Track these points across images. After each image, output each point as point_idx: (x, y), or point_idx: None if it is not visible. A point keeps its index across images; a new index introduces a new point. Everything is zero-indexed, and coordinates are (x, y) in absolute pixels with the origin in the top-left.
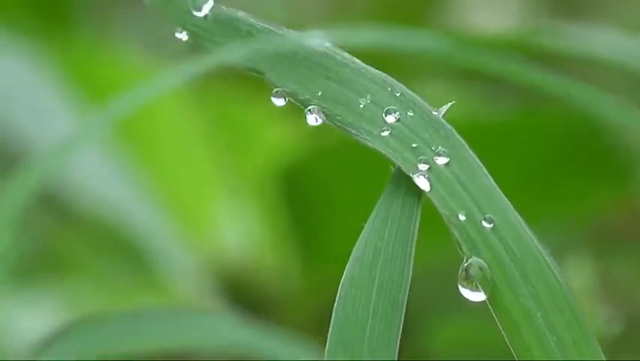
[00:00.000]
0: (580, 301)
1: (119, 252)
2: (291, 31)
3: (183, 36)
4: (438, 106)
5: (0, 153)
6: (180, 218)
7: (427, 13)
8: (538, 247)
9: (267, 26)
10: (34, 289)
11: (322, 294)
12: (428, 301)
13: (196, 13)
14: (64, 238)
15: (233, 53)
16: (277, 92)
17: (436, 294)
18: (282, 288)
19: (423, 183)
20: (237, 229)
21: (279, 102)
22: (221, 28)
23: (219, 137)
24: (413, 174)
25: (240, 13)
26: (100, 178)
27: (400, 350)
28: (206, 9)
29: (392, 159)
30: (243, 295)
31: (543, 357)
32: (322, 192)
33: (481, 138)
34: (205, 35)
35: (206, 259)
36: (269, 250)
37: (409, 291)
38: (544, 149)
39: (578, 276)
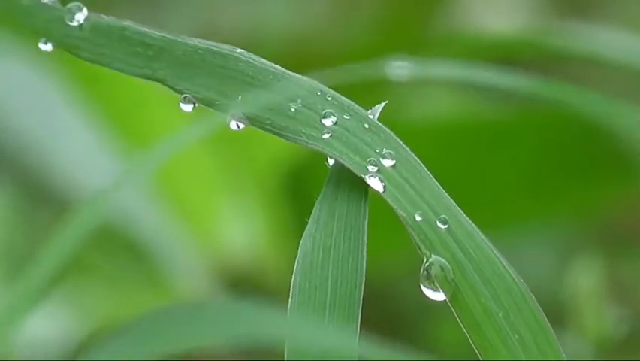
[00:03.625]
0: (587, 301)
1: (126, 254)
2: (195, 38)
3: (48, 47)
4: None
5: (9, 157)
6: (186, 220)
7: (432, 14)
8: (493, 249)
9: (164, 35)
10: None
11: None
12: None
13: (70, 24)
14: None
15: (126, 65)
16: (185, 97)
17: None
18: (287, 289)
19: (376, 184)
20: (242, 230)
21: (187, 108)
22: (103, 37)
23: (224, 139)
24: (364, 176)
25: (127, 22)
26: (106, 180)
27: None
28: (80, 18)
29: (339, 160)
30: (247, 295)
31: (508, 357)
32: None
33: (485, 137)
34: (82, 45)
35: (212, 260)
36: (273, 251)
37: (404, 292)
38: (548, 148)
39: (585, 277)
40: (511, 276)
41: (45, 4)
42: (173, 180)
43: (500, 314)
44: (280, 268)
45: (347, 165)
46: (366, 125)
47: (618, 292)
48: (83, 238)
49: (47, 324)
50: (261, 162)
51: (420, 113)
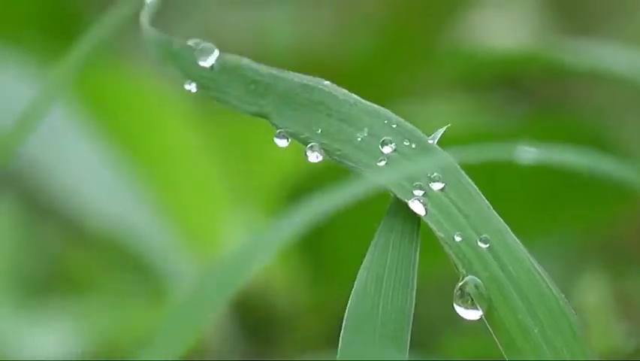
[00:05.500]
0: (594, 317)
1: (129, 268)
2: (293, 73)
3: (192, 87)
4: (446, 122)
5: (13, 173)
6: (188, 234)
7: (438, 27)
8: (534, 264)
9: (271, 71)
10: (45, 306)
11: (331, 311)
12: (437, 318)
13: (202, 64)
14: (75, 255)
15: (242, 103)
16: (280, 132)
17: (444, 311)
18: (291, 305)
19: (418, 208)
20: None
21: (282, 143)
22: (227, 76)
23: (227, 152)
24: (408, 200)
25: (244, 60)
26: (109, 195)
27: None
28: (211, 59)
29: (389, 187)
30: (251, 311)
31: None
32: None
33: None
34: (212, 85)
35: None
36: (277, 266)
37: (418, 310)
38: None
39: (593, 291)
40: (551, 291)
41: (188, 46)
42: (176, 194)
43: (536, 330)
44: (285, 283)
45: (394, 191)
46: (423, 150)
47: (625, 308)
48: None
49: (49, 339)
50: (266, 176)
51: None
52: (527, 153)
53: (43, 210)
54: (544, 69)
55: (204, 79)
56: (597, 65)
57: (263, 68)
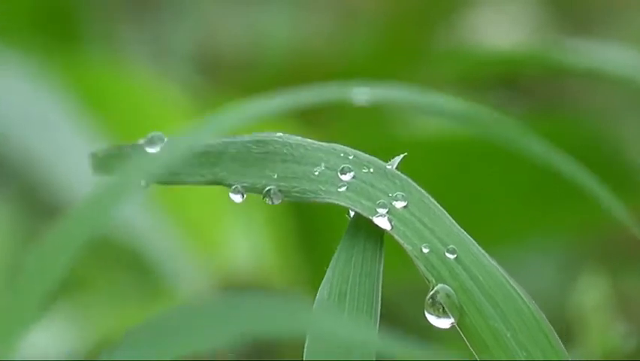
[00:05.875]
0: (593, 317)
1: (129, 268)
2: (245, 135)
3: (143, 184)
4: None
5: (10, 171)
6: (189, 233)
7: (435, 28)
8: (504, 273)
9: (222, 139)
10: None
11: None
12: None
13: (150, 151)
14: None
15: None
16: (234, 188)
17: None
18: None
19: (383, 223)
20: (246, 244)
21: (237, 199)
22: (177, 160)
23: None
24: (372, 217)
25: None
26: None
27: None
28: (158, 146)
29: (351, 207)
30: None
31: None
32: (330, 207)
33: (484, 151)
34: (168, 178)
35: (216, 275)
36: (277, 264)
37: (405, 309)
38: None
39: (591, 292)
40: (521, 297)
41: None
42: (177, 194)
43: (509, 335)
44: (285, 283)
45: (358, 210)
46: (383, 175)
47: (624, 307)
48: (77, 248)
49: (49, 338)
50: None
51: (419, 127)
52: (361, 95)
53: (41, 207)
54: (542, 69)
55: (160, 172)
56: (595, 65)
57: (215, 139)
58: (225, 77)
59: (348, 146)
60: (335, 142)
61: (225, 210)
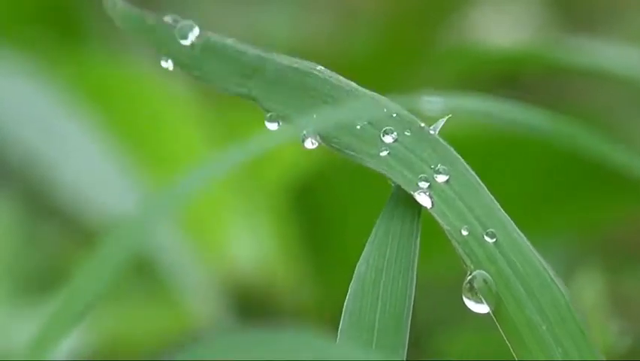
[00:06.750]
0: (590, 315)
1: (135, 270)
2: (283, 55)
3: (169, 65)
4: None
5: (14, 170)
6: (193, 233)
7: (436, 27)
8: (542, 261)
9: (259, 53)
10: (47, 306)
11: (335, 308)
12: (439, 312)
13: (183, 42)
14: (76, 253)
15: (227, 84)
16: (271, 116)
17: (446, 305)
18: (295, 302)
19: (424, 200)
20: (250, 243)
21: (273, 126)
22: (209, 55)
23: (231, 145)
24: (414, 192)
25: (229, 40)
26: (112, 193)
27: None
28: (192, 37)
29: (392, 178)
30: (256, 309)
31: None
32: (335, 206)
33: (486, 150)
34: (192, 63)
35: (221, 276)
36: (282, 264)
37: (419, 303)
38: (551, 161)
39: (588, 290)
40: (559, 289)
41: (164, 22)
42: None
43: (544, 327)
44: (290, 283)
45: (398, 182)
46: (425, 141)
47: (621, 306)
48: (116, 269)
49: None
50: (271, 179)
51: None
52: (432, 104)
53: (44, 207)
54: (543, 67)
55: (184, 57)
56: (597, 64)
57: (250, 49)
58: None
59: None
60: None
61: (230, 210)
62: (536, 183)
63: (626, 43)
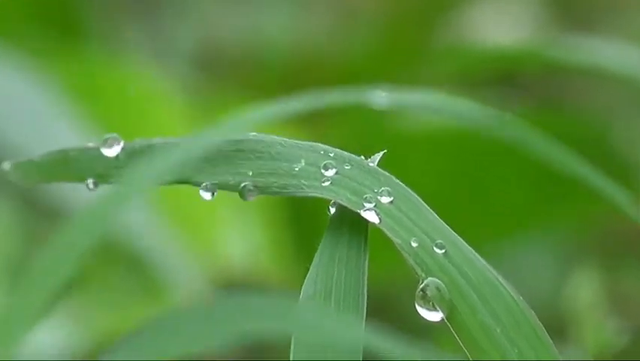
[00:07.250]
0: (587, 313)
1: (126, 266)
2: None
3: (90, 184)
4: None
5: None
6: (186, 233)
7: (434, 25)
8: (493, 271)
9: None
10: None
11: None
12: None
13: (106, 154)
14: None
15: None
16: (204, 185)
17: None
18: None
19: (372, 217)
20: (242, 241)
21: (207, 196)
22: (134, 160)
23: None
24: (360, 210)
25: (155, 140)
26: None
27: None
28: (117, 148)
29: (337, 200)
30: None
31: None
32: (326, 204)
33: (483, 146)
34: (116, 173)
35: (212, 273)
36: (273, 263)
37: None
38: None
39: (586, 288)
40: (510, 295)
41: (88, 147)
42: (173, 193)
43: (498, 330)
44: (281, 281)
45: (344, 203)
46: (366, 172)
47: (618, 304)
48: (84, 252)
49: (45, 337)
50: None
51: (419, 121)
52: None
53: (40, 207)
54: (541, 66)
55: (110, 170)
56: (595, 63)
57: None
58: (225, 75)
59: (331, 145)
60: (325, 139)
61: (221, 209)
62: (533, 178)
63: (626, 42)
